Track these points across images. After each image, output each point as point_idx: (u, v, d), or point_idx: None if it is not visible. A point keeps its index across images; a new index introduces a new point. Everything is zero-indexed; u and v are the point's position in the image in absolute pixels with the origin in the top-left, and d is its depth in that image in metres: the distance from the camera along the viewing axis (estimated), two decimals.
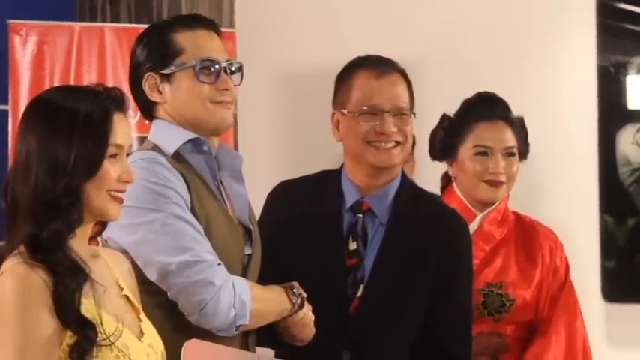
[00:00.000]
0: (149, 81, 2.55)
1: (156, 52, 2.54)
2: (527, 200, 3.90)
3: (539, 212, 3.66)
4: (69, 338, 1.95)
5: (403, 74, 2.85)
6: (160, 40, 2.55)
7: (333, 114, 2.87)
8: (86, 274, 2.02)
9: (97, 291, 2.04)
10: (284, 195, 2.93)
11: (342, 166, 2.92)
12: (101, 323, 1.99)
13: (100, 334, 1.97)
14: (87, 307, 1.99)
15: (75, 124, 2.03)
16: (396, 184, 2.86)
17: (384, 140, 2.77)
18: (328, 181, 2.92)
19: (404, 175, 2.91)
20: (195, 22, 2.58)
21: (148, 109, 2.60)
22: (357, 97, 2.80)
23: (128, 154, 2.15)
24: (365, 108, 2.78)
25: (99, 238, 2.32)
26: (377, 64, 2.83)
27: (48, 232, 1.99)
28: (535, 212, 3.64)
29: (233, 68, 2.58)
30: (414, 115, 2.83)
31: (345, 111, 2.81)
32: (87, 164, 2.03)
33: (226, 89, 2.54)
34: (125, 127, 2.12)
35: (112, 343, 1.99)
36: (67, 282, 1.96)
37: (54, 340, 1.94)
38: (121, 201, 2.12)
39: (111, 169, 2.07)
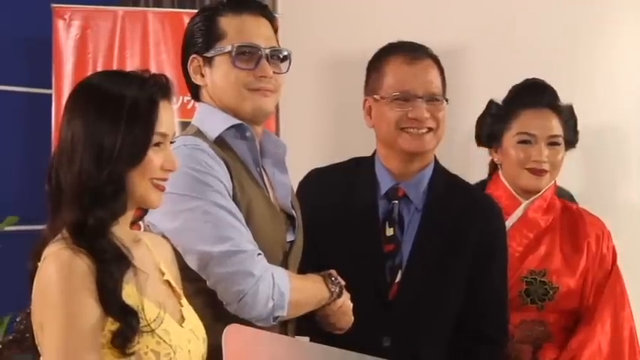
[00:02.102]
0: (193, 63, 2.55)
1: (201, 35, 2.53)
2: (571, 189, 3.87)
3: (586, 201, 3.63)
4: (110, 325, 1.96)
5: (435, 60, 2.84)
6: (207, 22, 2.54)
7: (365, 100, 2.87)
8: (129, 262, 2.02)
9: (140, 278, 2.04)
10: (316, 183, 2.93)
11: (375, 152, 2.91)
12: (142, 310, 1.99)
13: (141, 321, 1.98)
14: (128, 294, 2.00)
15: (122, 110, 2.02)
16: (429, 171, 2.87)
17: (416, 126, 2.77)
18: (361, 168, 2.92)
19: (437, 162, 2.91)
20: (243, 6, 2.54)
21: (195, 92, 2.60)
22: (389, 82, 2.80)
23: (171, 142, 2.14)
24: (397, 94, 2.77)
25: (141, 222, 2.32)
26: (409, 50, 2.82)
27: (92, 219, 1.99)
28: (582, 201, 3.62)
29: (277, 56, 2.55)
30: (447, 101, 2.82)
31: (377, 97, 2.81)
32: (132, 152, 2.02)
33: (264, 76, 2.51)
34: (170, 115, 2.12)
35: (153, 330, 1.99)
36: (111, 270, 1.97)
37: (97, 325, 1.94)
38: (163, 189, 2.11)
39: (155, 157, 2.07)
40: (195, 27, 2.56)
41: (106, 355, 1.95)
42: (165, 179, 2.11)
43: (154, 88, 2.08)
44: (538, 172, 3.16)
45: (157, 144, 2.07)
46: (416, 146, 2.78)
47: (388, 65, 2.81)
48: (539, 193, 3.19)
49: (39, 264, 1.98)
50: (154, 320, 2.01)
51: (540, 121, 3.17)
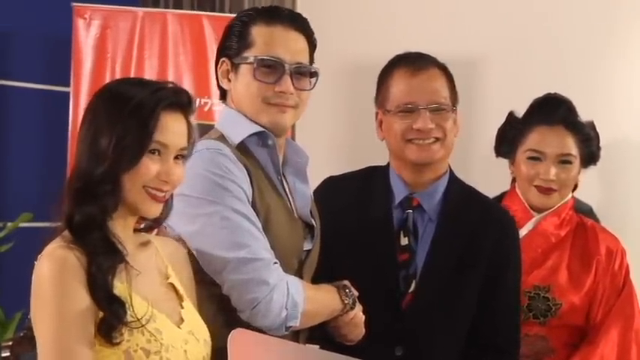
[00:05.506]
0: (222, 67, 2.55)
1: (233, 40, 2.53)
2: (590, 202, 3.86)
3: (605, 214, 3.61)
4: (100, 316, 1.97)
5: (441, 69, 2.83)
6: (241, 28, 2.53)
7: (377, 113, 2.87)
8: (122, 256, 2.03)
9: (131, 275, 2.04)
10: (331, 191, 2.92)
11: (390, 162, 2.91)
12: (131, 305, 2.00)
13: (129, 316, 1.98)
14: (118, 289, 2.00)
15: (123, 111, 2.02)
16: (444, 182, 2.86)
17: (422, 137, 2.76)
18: (376, 177, 2.92)
19: (452, 173, 2.91)
20: (275, 17, 2.52)
21: (223, 94, 2.60)
22: (393, 95, 2.80)
23: (182, 157, 2.12)
24: (401, 106, 2.77)
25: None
26: (412, 61, 2.82)
27: (81, 215, 2.01)
28: (601, 214, 3.60)
29: (303, 72, 2.53)
30: (455, 109, 2.81)
31: (384, 110, 2.82)
32: (125, 154, 2.02)
33: (283, 92, 2.49)
34: (178, 128, 2.09)
35: (143, 326, 1.99)
36: (100, 261, 1.97)
37: (89, 315, 1.95)
38: (159, 199, 2.10)
39: (151, 164, 2.05)
40: (230, 30, 2.56)
41: (98, 348, 1.95)
42: (160, 190, 2.08)
43: (165, 98, 2.06)
44: (545, 191, 3.15)
45: (155, 152, 2.06)
46: (423, 157, 2.78)
47: (392, 78, 2.81)
48: (553, 209, 3.18)
49: (35, 263, 2.00)
50: (143, 317, 2.00)
51: (552, 139, 3.14)
